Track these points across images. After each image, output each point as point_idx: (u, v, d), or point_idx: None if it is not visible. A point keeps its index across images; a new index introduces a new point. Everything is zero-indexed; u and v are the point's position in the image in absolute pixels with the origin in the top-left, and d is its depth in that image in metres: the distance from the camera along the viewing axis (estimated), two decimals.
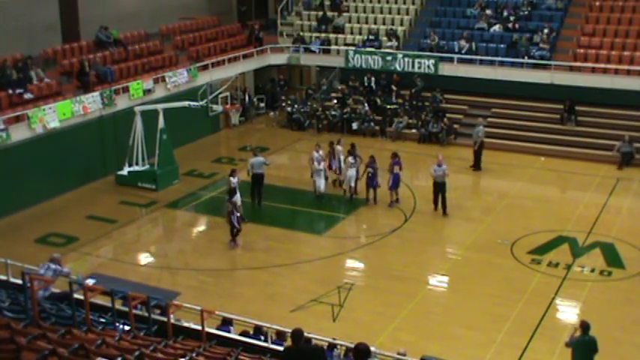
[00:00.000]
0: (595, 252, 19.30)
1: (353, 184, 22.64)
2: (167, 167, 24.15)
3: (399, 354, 11.92)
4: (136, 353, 8.50)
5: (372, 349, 11.09)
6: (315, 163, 22.41)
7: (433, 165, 21.54)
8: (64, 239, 20.24)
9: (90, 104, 23.76)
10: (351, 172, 22.48)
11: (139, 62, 27.50)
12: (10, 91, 22.66)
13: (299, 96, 31.66)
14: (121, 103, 24.92)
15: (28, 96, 23.11)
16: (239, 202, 19.72)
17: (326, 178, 22.90)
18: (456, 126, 28.88)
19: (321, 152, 22.81)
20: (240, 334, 12.05)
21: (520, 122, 28.03)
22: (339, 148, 23.58)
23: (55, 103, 22.93)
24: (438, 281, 18.21)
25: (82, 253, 19.55)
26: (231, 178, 20.43)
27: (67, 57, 25.81)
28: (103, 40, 27.17)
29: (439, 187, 21.48)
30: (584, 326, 12.74)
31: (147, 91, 25.87)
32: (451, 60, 29.50)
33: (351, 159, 22.44)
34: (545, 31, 29.31)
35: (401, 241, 20.18)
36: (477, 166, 25.44)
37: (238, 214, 19.64)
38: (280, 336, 12.35)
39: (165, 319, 11.39)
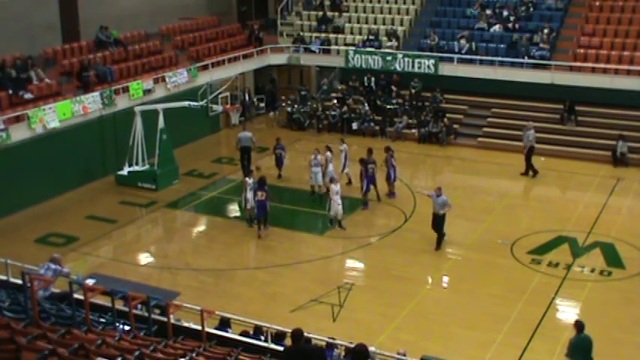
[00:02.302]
0: (595, 252, 19.30)
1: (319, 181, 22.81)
2: (167, 167, 24.15)
3: (398, 354, 11.92)
4: (136, 353, 8.50)
5: (372, 349, 11.12)
6: (333, 185, 20.65)
7: (432, 190, 19.76)
8: (64, 239, 20.25)
9: (90, 104, 23.76)
10: (316, 169, 22.77)
11: (139, 62, 27.49)
12: (10, 91, 22.65)
13: (298, 96, 31.67)
14: (121, 103, 24.91)
15: (28, 96, 23.11)
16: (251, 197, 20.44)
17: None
18: (456, 126, 28.89)
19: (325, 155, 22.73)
20: (240, 334, 12.04)
21: (520, 122, 27.96)
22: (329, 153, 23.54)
23: (55, 103, 22.93)
24: (437, 281, 18.20)
25: (82, 253, 19.55)
26: (247, 179, 20.80)
27: (67, 57, 25.81)
28: (103, 40, 27.17)
29: (437, 220, 19.33)
30: (579, 325, 12.77)
31: (147, 91, 25.87)
32: (451, 60, 29.50)
33: (328, 154, 22.88)
34: (545, 31, 29.33)
35: (401, 241, 20.16)
36: (528, 171, 24.70)
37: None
38: (279, 336, 12.36)
39: (165, 319, 11.39)
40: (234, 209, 22.73)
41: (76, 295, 11.14)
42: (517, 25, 30.47)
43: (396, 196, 22.93)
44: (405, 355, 12.01)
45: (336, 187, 20.56)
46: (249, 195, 20.40)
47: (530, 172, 24.82)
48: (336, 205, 20.51)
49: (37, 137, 22.21)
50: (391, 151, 22.86)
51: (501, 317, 16.07)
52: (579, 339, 12.70)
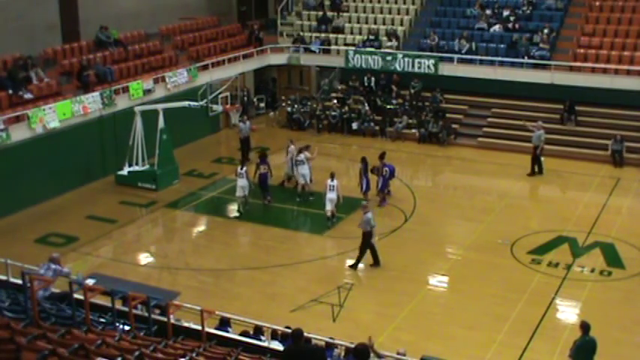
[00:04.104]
0: (595, 252, 19.30)
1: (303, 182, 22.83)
2: (167, 167, 24.15)
3: (398, 354, 11.93)
4: (136, 353, 8.50)
5: None
6: (329, 180, 20.87)
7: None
8: (64, 239, 20.24)
9: (90, 104, 23.75)
10: (303, 169, 22.72)
11: (139, 62, 27.48)
12: (11, 92, 22.63)
13: (299, 97, 31.69)
14: (121, 103, 24.91)
15: (28, 96, 23.08)
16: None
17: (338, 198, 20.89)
18: (455, 126, 28.89)
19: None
20: (240, 334, 12.05)
21: (520, 122, 28.01)
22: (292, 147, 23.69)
23: (55, 103, 22.92)
24: (438, 281, 18.21)
25: (82, 253, 19.55)
26: (239, 169, 21.82)
27: (67, 57, 25.80)
28: (103, 40, 27.16)
29: (366, 238, 18.45)
30: (585, 327, 12.74)
31: (147, 91, 25.86)
32: (451, 60, 29.49)
33: (292, 147, 23.26)
34: (545, 31, 29.32)
35: (401, 241, 20.17)
36: (540, 171, 24.82)
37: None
38: (282, 336, 12.36)
39: (165, 319, 11.39)
40: (234, 209, 22.73)
41: (76, 295, 11.14)
42: (517, 25, 30.46)
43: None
44: (404, 354, 12.01)
45: (331, 183, 20.77)
46: (241, 183, 21.55)
47: (536, 169, 24.85)
48: (327, 200, 20.82)
49: (37, 137, 22.20)
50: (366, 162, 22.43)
51: (501, 317, 16.07)
52: (584, 341, 12.65)
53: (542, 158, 24.97)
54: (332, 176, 20.97)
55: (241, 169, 21.77)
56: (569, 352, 12.83)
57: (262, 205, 22.48)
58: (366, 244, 18.40)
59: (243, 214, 21.92)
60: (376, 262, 18.57)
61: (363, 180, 22.17)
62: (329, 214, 20.94)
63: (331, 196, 20.75)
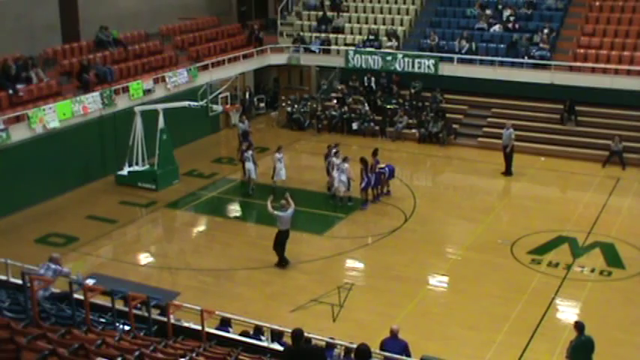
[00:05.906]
0: (595, 252, 19.31)
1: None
2: (167, 167, 24.16)
3: (392, 331, 12.29)
4: (136, 353, 8.50)
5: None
6: (346, 164, 22.11)
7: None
8: (64, 239, 20.24)
9: (90, 104, 23.75)
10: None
11: (139, 62, 27.48)
12: (10, 91, 22.62)
13: (299, 96, 31.69)
14: (121, 103, 24.91)
15: (28, 89, 22.98)
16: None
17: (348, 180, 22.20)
18: (455, 126, 28.89)
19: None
20: (240, 334, 12.05)
21: (520, 122, 27.99)
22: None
23: (55, 103, 22.91)
24: (438, 281, 18.21)
25: (82, 253, 19.55)
26: (245, 153, 23.60)
27: (67, 57, 25.81)
28: (103, 40, 27.16)
29: (282, 236, 18.48)
30: (580, 327, 12.75)
31: (147, 91, 25.86)
32: (451, 60, 29.48)
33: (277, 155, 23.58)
34: (545, 31, 29.32)
35: (401, 241, 20.17)
36: (508, 171, 24.96)
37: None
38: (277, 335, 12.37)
39: (165, 319, 11.39)
40: (234, 209, 22.74)
41: (76, 295, 11.13)
42: (517, 25, 30.46)
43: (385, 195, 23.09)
44: (397, 331, 12.38)
45: (342, 165, 22.02)
46: (249, 165, 23.08)
47: (507, 172, 24.97)
48: (338, 182, 22.12)
49: (37, 137, 22.20)
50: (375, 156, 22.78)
51: (501, 317, 16.07)
52: (581, 341, 12.65)
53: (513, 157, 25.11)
54: (345, 159, 22.19)
55: (246, 152, 23.28)
56: (566, 353, 12.83)
57: (262, 205, 22.43)
58: (280, 241, 18.42)
59: (251, 195, 23.07)
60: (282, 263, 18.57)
61: (363, 179, 22.20)
62: (341, 194, 22.19)
63: (342, 178, 21.99)
